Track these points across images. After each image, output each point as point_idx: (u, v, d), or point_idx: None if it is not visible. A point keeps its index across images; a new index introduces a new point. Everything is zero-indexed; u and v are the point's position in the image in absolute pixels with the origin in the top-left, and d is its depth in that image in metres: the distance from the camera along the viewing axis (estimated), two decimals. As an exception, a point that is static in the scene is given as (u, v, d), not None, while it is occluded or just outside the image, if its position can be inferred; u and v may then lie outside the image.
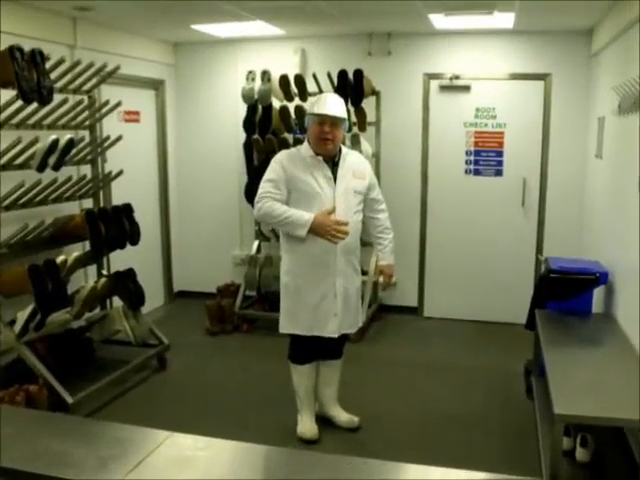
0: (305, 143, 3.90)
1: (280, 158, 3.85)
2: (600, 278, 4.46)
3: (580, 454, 3.48)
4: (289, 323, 3.95)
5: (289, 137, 6.07)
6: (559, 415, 2.94)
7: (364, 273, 6.09)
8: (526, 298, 6.17)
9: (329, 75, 5.82)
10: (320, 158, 3.80)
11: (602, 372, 3.48)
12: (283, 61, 6.39)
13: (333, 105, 3.77)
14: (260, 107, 6.05)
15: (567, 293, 4.50)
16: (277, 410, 4.46)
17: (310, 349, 4.03)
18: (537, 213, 6.26)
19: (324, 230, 3.66)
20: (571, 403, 3.04)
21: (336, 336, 3.93)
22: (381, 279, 4.18)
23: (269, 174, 3.80)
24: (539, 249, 6.27)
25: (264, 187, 3.77)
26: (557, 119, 6.07)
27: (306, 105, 5.81)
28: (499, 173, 6.27)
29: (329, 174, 3.81)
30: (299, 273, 3.85)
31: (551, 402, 3.04)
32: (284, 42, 6.47)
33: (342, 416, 4.23)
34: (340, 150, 3.89)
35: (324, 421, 4.22)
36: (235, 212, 6.87)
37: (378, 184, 5.88)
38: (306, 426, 4.09)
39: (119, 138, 4.99)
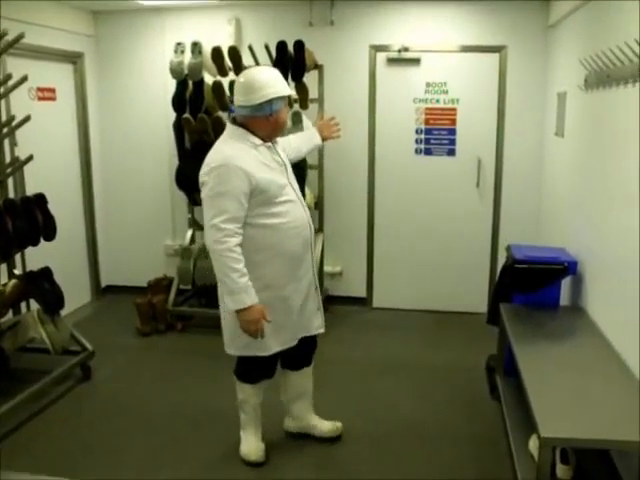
0: (246, 132, 3.19)
1: (234, 163, 3.04)
2: (569, 268, 4.12)
3: (561, 471, 3.09)
4: (275, 340, 3.34)
5: (223, 116, 5.52)
6: (546, 439, 2.55)
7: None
8: (483, 285, 5.95)
9: (267, 47, 5.28)
10: (270, 144, 3.27)
11: (581, 375, 3.13)
12: (216, 32, 5.82)
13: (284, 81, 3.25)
14: (191, 83, 5.46)
15: (534, 285, 4.15)
16: (217, 424, 3.98)
17: (269, 365, 3.50)
18: (493, 195, 5.87)
19: (250, 325, 3.11)
20: (557, 422, 2.65)
21: (323, 330, 3.56)
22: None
23: (233, 188, 3.01)
24: (495, 233, 5.91)
25: (227, 209, 3.01)
26: (513, 94, 5.68)
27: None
28: (452, 153, 5.85)
29: (279, 159, 3.28)
30: (284, 282, 3.28)
31: (534, 420, 2.66)
32: (217, 11, 5.90)
33: (324, 425, 3.81)
34: None
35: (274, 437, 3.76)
36: (166, 199, 6.29)
37: (322, 166, 5.52)
38: (251, 446, 3.59)
39: (27, 118, 4.33)
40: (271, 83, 3.14)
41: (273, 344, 3.35)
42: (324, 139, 3.82)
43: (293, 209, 3.24)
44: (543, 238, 5.43)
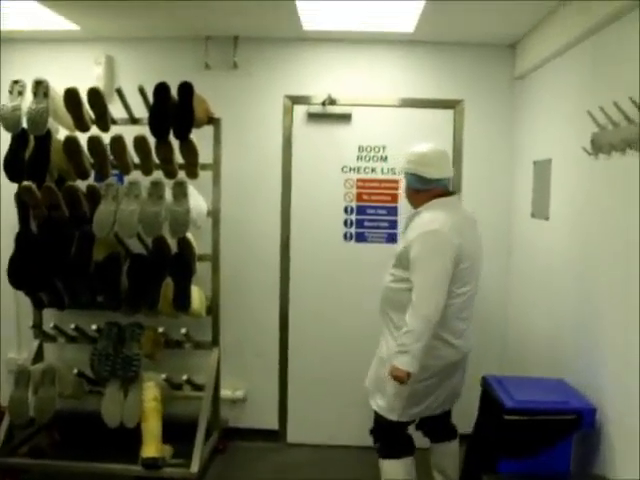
0: None
1: None
2: (584, 417, 2.76)
3: None
4: None
5: (82, 185, 4.05)
6: None
7: (198, 387, 4.24)
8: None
9: (142, 90, 3.90)
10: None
11: None
12: (81, 73, 4.39)
13: None
14: (32, 137, 3.93)
15: (534, 445, 2.78)
16: None
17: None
18: (446, 296, 4.52)
19: None
20: None
21: None
22: None
23: None
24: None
25: None
26: (472, 163, 4.47)
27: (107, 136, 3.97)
28: (392, 239, 4.50)
29: None
30: None
31: None
32: (84, 46, 4.52)
33: None
34: None
35: None
36: (9, 298, 4.62)
37: (217, 257, 4.24)
38: None
39: None
40: None
41: None
42: None
43: None
44: (515, 360, 4.20)
